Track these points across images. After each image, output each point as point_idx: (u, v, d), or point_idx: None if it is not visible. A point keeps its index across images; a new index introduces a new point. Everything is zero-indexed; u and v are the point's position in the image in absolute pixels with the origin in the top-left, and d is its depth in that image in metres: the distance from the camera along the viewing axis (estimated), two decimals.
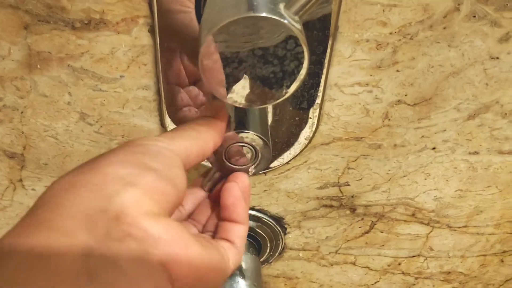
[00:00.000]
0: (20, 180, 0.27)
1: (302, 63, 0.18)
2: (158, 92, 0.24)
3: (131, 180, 0.14)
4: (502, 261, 0.34)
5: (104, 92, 0.24)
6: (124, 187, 0.14)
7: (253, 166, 0.22)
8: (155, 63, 0.23)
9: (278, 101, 0.19)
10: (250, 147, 0.21)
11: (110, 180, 0.14)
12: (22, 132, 0.25)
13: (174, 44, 0.21)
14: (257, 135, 0.21)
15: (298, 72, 0.18)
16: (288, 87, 0.18)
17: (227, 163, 0.21)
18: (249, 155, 0.22)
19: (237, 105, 0.18)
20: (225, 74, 0.18)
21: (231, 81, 0.18)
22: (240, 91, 0.18)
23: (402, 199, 0.29)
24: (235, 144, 0.21)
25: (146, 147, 0.16)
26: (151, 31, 0.21)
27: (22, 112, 0.24)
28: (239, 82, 0.18)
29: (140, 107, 0.24)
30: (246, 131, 0.21)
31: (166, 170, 0.15)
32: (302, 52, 0.17)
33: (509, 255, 0.33)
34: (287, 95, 0.18)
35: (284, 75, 0.18)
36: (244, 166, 0.22)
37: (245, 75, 0.18)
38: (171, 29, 0.21)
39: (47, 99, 0.24)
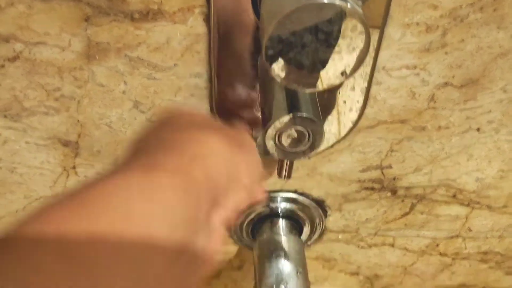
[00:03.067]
0: (74, 167, 0.28)
1: (363, 47, 0.18)
2: (210, 79, 0.24)
3: None
4: None
5: (157, 80, 0.24)
6: None
7: (307, 149, 0.23)
8: (208, 51, 0.23)
9: (337, 83, 0.19)
10: (304, 129, 0.22)
11: None
12: (78, 121, 0.26)
13: (228, 33, 0.22)
14: (310, 118, 0.22)
15: (359, 55, 0.18)
16: (348, 70, 0.19)
17: (284, 147, 0.22)
18: (303, 139, 0.22)
19: (299, 89, 0.19)
20: (288, 59, 0.18)
21: (294, 66, 0.18)
22: (302, 76, 0.19)
23: (444, 180, 0.30)
24: (290, 128, 0.22)
25: None
26: (206, 20, 0.22)
27: (78, 102, 0.25)
28: (301, 67, 0.19)
29: (192, 95, 0.25)
30: (300, 113, 0.21)
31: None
32: (364, 35, 0.18)
33: None
34: (346, 78, 0.19)
35: (344, 58, 0.18)
36: (298, 150, 0.23)
37: (307, 59, 0.18)
38: (227, 17, 0.21)
39: (103, 89, 0.25)
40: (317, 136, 0.22)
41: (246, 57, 0.23)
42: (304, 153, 0.23)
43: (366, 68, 0.24)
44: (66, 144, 0.27)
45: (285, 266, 0.29)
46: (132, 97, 0.25)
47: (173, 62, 0.24)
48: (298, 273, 0.29)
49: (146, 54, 0.23)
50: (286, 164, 0.24)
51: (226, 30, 0.22)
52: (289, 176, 0.25)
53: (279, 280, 0.28)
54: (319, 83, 0.19)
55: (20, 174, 0.29)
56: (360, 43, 0.18)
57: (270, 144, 0.22)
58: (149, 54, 0.23)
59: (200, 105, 0.25)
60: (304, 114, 0.21)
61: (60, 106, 0.25)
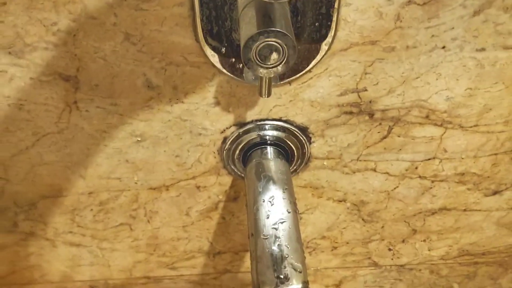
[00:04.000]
0: (75, 102, 0.31)
1: None
2: (192, 7, 0.27)
3: None
4: None
5: (145, 11, 0.27)
6: None
7: (281, 64, 0.25)
8: None
9: None
10: (278, 44, 0.24)
11: None
12: (75, 55, 0.29)
13: None
14: (281, 32, 0.24)
15: None
16: None
17: (257, 62, 0.24)
18: (276, 54, 0.25)
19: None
20: None
21: None
22: None
23: (416, 101, 0.32)
24: (263, 43, 0.24)
25: None
26: None
27: (74, 35, 0.28)
28: None
29: (177, 24, 0.27)
30: (273, 28, 0.24)
31: None
32: None
33: None
34: None
35: None
36: (273, 65, 0.25)
37: None
38: None
39: (96, 21, 0.27)
40: (289, 49, 0.24)
41: None
42: (280, 67, 0.25)
43: None
44: (66, 79, 0.30)
45: (272, 184, 0.32)
46: (123, 29, 0.27)
47: None
48: (284, 190, 0.31)
49: None
50: (265, 81, 0.26)
51: None
52: (269, 94, 0.27)
53: (268, 195, 0.31)
54: None
55: (27, 111, 0.31)
56: None
57: (246, 60, 0.25)
58: None
59: (185, 34, 0.28)
60: (276, 29, 0.24)
61: (58, 41, 0.28)
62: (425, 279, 0.49)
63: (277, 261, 0.28)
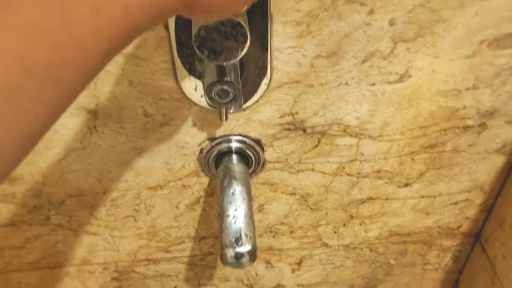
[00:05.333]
0: (95, 127, 0.44)
1: (246, 38, 0.34)
2: (173, 63, 0.40)
3: None
4: (413, 159, 0.50)
5: (141, 66, 0.40)
6: None
7: (232, 101, 0.38)
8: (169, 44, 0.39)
9: (236, 59, 0.35)
10: (228, 88, 0.37)
11: None
12: (95, 95, 0.42)
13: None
14: (231, 81, 0.37)
15: (245, 43, 0.34)
16: (241, 51, 0.34)
17: (216, 99, 0.38)
18: (228, 94, 0.38)
19: (220, 62, 0.34)
20: (209, 47, 0.34)
21: (214, 50, 0.34)
22: (220, 55, 0.34)
23: (335, 119, 0.46)
24: (219, 88, 0.37)
25: None
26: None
27: (95, 83, 0.41)
28: (218, 51, 0.34)
29: (163, 74, 0.41)
30: (227, 79, 0.37)
31: None
32: (246, 32, 0.33)
33: (416, 154, 0.49)
34: (240, 56, 0.34)
35: (238, 45, 0.34)
36: (226, 101, 0.38)
37: (220, 46, 0.34)
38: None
39: (109, 73, 0.40)
40: (236, 91, 0.38)
41: None
42: (230, 103, 0.38)
43: (266, 50, 0.39)
44: (89, 111, 0.43)
45: (234, 181, 0.45)
46: (127, 77, 0.41)
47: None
48: (242, 184, 0.44)
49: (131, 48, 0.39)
50: (222, 111, 0.40)
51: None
52: (226, 119, 0.40)
53: (231, 188, 0.44)
54: (230, 58, 0.35)
55: (61, 134, 0.45)
56: (245, 36, 0.33)
57: (208, 99, 0.38)
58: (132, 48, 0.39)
59: (169, 80, 0.41)
60: (227, 79, 0.37)
61: None
62: (367, 256, 0.61)
63: (235, 231, 0.41)
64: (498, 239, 0.54)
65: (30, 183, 0.49)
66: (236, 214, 0.42)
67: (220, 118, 0.41)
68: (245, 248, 0.40)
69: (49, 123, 0.20)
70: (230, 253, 0.40)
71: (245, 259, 0.40)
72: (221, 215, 0.43)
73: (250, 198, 0.44)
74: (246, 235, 0.40)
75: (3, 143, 0.18)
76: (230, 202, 0.43)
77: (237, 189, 0.44)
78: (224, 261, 0.40)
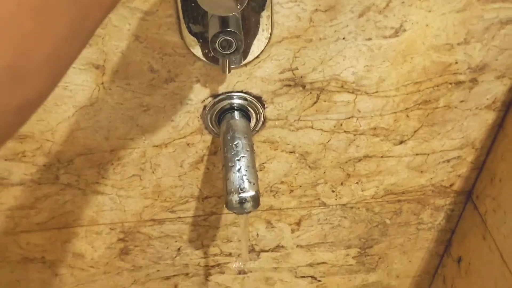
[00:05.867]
0: (102, 83, 0.46)
1: None
2: (178, 17, 0.42)
3: None
4: (407, 116, 0.52)
5: (148, 21, 0.42)
6: None
7: (234, 51, 0.40)
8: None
9: (238, 9, 0.36)
10: (234, 39, 0.39)
11: None
12: (103, 51, 0.44)
13: None
14: (233, 31, 0.39)
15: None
16: (242, 3, 0.36)
17: (219, 50, 0.40)
18: (231, 44, 0.40)
19: (223, 14, 0.36)
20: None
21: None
22: (221, 7, 0.36)
23: (333, 75, 0.48)
24: (222, 38, 0.39)
25: None
26: None
27: (103, 38, 0.43)
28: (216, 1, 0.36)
29: (168, 28, 0.42)
30: (230, 29, 0.39)
31: None
32: None
33: (411, 111, 0.51)
34: (241, 7, 0.36)
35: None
36: (229, 52, 0.40)
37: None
38: None
39: (117, 28, 0.42)
40: (239, 42, 0.40)
41: None
42: (233, 54, 0.40)
43: (267, 5, 0.41)
44: (97, 67, 0.45)
45: (237, 134, 0.47)
46: (134, 32, 0.43)
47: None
48: (245, 137, 0.46)
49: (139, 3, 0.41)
50: (226, 63, 0.42)
51: None
52: (229, 71, 0.42)
53: (234, 141, 0.46)
54: (231, 10, 0.37)
55: (70, 90, 0.46)
56: None
57: (212, 50, 0.40)
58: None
59: (174, 35, 0.43)
60: (230, 29, 0.39)
61: (92, 41, 0.43)
62: (363, 216, 0.64)
63: (239, 178, 0.43)
64: (489, 194, 0.57)
65: (40, 141, 0.50)
66: (240, 164, 0.44)
67: (223, 70, 0.43)
68: (249, 193, 0.42)
69: (72, 45, 0.22)
70: (235, 198, 0.42)
71: (249, 204, 0.42)
72: (225, 165, 0.45)
73: (252, 150, 0.46)
74: (249, 182, 0.43)
75: (33, 57, 0.20)
76: (234, 153, 0.45)
77: (240, 142, 0.46)
78: (229, 207, 0.43)
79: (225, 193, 0.43)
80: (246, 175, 0.43)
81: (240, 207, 0.42)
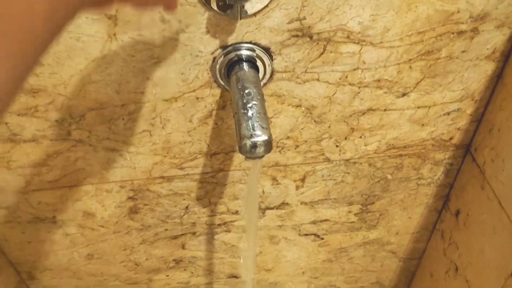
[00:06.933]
0: (114, 34, 0.47)
1: None
2: None
3: None
4: (410, 67, 0.54)
5: None
6: None
7: None
8: None
9: None
10: None
11: None
12: None
13: None
14: None
15: None
16: None
17: None
18: None
19: None
20: None
21: None
22: None
23: (339, 25, 0.49)
24: None
25: None
26: None
27: None
28: None
29: None
30: None
31: None
32: None
33: (414, 62, 0.53)
34: None
35: None
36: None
37: None
38: None
39: None
40: None
41: None
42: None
43: None
44: (109, 17, 0.46)
45: (247, 83, 0.48)
46: None
47: None
48: (254, 86, 0.48)
49: None
50: (238, 7, 0.43)
51: None
52: (241, 17, 0.43)
53: (245, 90, 0.47)
54: None
55: (82, 41, 0.47)
56: None
57: None
58: None
59: None
60: None
61: None
62: (366, 171, 0.66)
63: (252, 123, 0.44)
64: (488, 145, 0.59)
65: (52, 95, 0.51)
66: (252, 110, 0.45)
67: (235, 17, 0.44)
68: (261, 138, 0.44)
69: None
70: (248, 143, 0.43)
71: (262, 149, 0.44)
72: (238, 112, 0.46)
73: (263, 99, 0.48)
74: (262, 127, 0.44)
75: None
76: (245, 101, 0.46)
77: (251, 91, 0.47)
78: (243, 151, 0.44)
79: (238, 138, 0.44)
80: (258, 121, 0.45)
81: (253, 152, 0.44)
